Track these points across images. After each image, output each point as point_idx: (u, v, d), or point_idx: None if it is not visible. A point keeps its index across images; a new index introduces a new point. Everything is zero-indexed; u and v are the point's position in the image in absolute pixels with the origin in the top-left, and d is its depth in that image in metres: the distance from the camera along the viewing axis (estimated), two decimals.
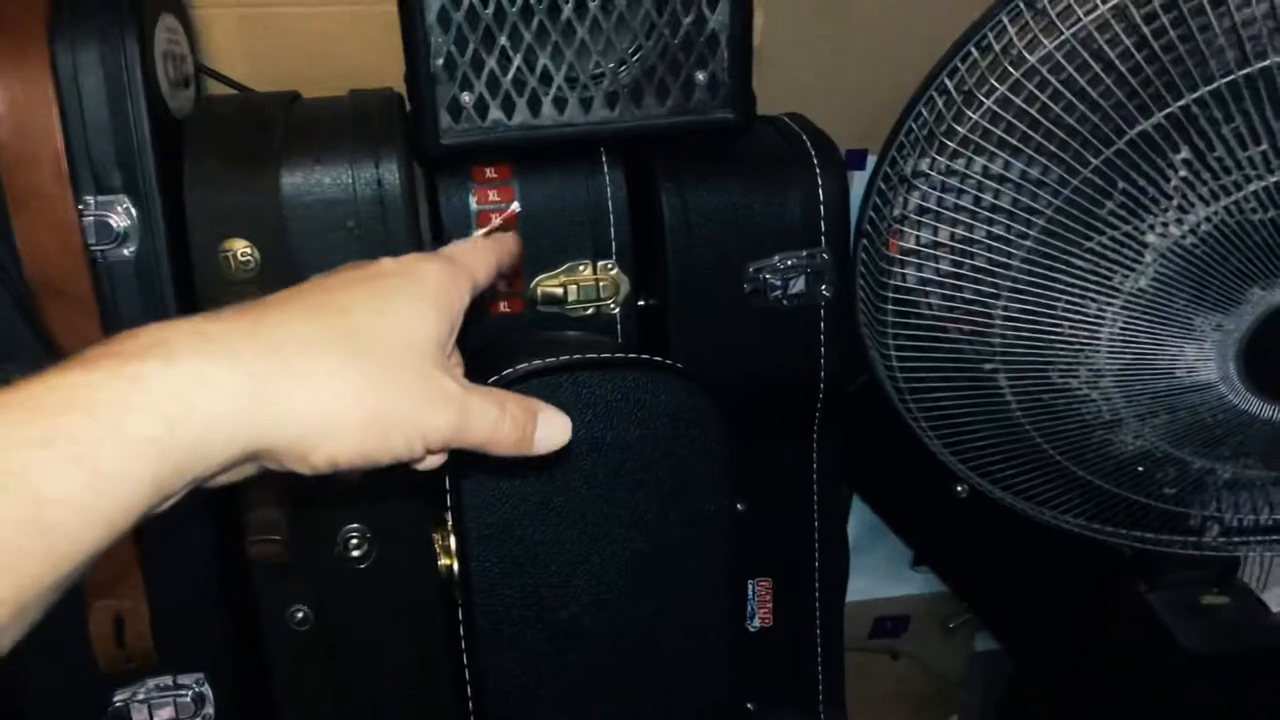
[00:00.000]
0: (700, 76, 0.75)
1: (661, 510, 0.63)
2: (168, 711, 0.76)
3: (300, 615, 0.79)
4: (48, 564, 0.31)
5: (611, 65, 0.73)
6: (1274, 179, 0.55)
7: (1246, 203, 0.56)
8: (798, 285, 0.78)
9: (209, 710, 0.77)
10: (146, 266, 0.70)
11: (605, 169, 0.78)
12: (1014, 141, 0.60)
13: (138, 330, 0.36)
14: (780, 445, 0.86)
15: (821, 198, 0.77)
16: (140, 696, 0.76)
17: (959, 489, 0.82)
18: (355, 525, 0.79)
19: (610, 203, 0.78)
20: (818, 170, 0.77)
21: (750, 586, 0.90)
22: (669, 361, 0.65)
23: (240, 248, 0.70)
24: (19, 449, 0.30)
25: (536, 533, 0.61)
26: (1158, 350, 0.62)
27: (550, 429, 0.46)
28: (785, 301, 0.79)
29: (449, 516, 0.61)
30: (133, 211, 0.70)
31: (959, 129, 0.61)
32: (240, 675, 0.79)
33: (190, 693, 0.77)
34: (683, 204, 0.76)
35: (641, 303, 0.82)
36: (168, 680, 0.77)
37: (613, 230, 0.79)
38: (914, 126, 0.63)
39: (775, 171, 0.78)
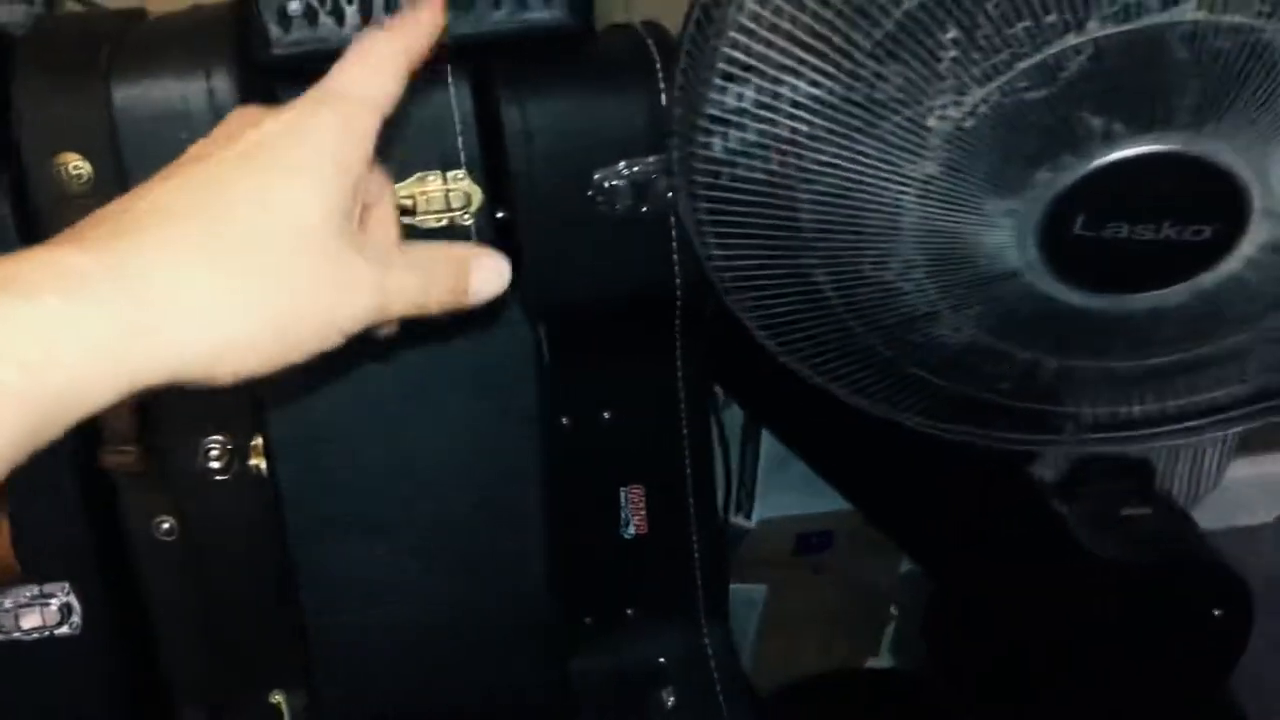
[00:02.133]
0: None
1: (473, 407, 0.64)
2: (34, 619, 0.78)
3: (166, 526, 0.81)
4: None
5: None
6: (1040, 56, 0.54)
7: (1019, 82, 0.56)
8: (646, 193, 0.78)
9: (76, 619, 0.80)
10: None
11: (449, 77, 0.78)
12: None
13: None
14: (643, 355, 0.87)
15: (666, 103, 0.77)
16: (5, 606, 0.78)
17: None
18: (217, 437, 0.80)
19: (455, 112, 0.78)
20: (660, 75, 0.77)
21: (623, 494, 0.91)
22: None
23: (73, 161, 0.71)
24: None
25: (342, 433, 0.62)
26: (958, 238, 0.63)
27: (485, 276, 0.45)
28: (635, 210, 0.79)
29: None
30: None
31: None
32: (108, 585, 0.81)
33: (56, 601, 0.79)
34: (522, 113, 0.76)
35: (499, 215, 0.82)
36: (34, 589, 0.79)
37: (460, 140, 0.79)
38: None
39: (617, 77, 0.77)
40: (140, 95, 0.71)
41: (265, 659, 0.83)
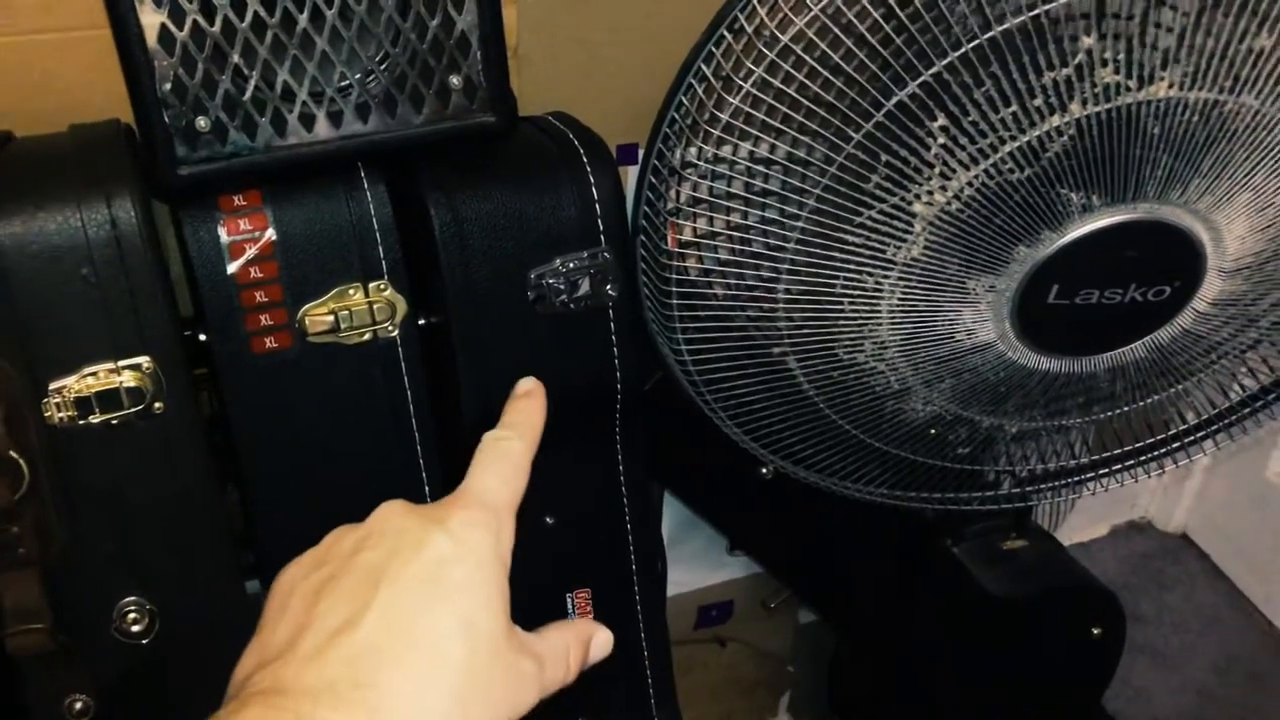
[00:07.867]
0: (455, 81, 0.71)
1: None
2: None
3: (79, 705, 0.72)
4: None
5: (358, 76, 0.69)
6: (1026, 138, 0.56)
7: (1004, 164, 0.57)
8: (583, 287, 0.76)
9: None
10: None
11: (365, 185, 0.74)
12: (775, 123, 0.59)
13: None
14: (584, 452, 0.84)
15: (596, 195, 0.75)
16: None
17: (763, 470, 0.82)
18: (132, 598, 0.72)
19: (375, 220, 0.74)
20: (588, 168, 0.75)
21: (569, 600, 0.87)
22: None
23: None
24: None
25: None
26: (936, 317, 0.63)
27: (600, 648, 0.50)
28: (572, 305, 0.76)
29: None
30: None
31: (721, 115, 0.60)
32: None
33: None
34: (453, 215, 0.73)
35: (422, 321, 0.78)
36: None
37: (381, 249, 0.75)
38: (676, 117, 0.62)
39: (546, 172, 0.75)
40: (31, 231, 0.64)
41: None
